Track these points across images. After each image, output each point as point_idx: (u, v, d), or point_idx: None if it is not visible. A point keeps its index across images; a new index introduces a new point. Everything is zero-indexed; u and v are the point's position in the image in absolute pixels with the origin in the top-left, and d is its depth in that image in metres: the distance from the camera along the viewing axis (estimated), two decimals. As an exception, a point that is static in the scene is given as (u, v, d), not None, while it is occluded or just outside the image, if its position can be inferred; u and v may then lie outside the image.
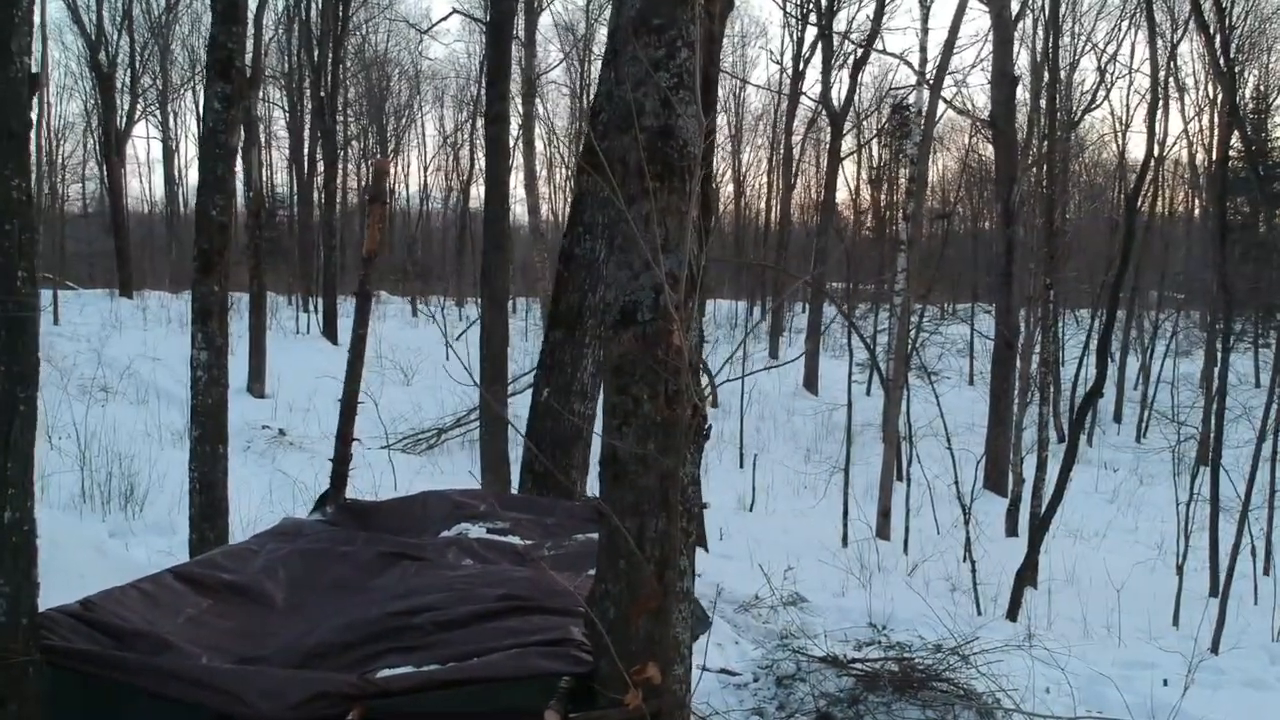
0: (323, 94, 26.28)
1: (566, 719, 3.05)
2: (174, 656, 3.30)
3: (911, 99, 23.54)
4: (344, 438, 4.80)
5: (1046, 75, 15.36)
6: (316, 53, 26.52)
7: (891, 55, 33.06)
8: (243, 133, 22.62)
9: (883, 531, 16.47)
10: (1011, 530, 17.18)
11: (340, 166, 30.68)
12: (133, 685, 3.12)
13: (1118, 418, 28.29)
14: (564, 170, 41.76)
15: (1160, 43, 22.07)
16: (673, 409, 3.10)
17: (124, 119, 34.02)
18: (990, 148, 24.31)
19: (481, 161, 38.35)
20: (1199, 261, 31.86)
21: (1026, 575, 12.09)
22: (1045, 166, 13.86)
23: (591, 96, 35.40)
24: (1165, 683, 7.89)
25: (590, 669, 3.22)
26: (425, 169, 44.67)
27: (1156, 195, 27.46)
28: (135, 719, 3.13)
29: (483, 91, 28.92)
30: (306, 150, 31.29)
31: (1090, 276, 26.56)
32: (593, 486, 6.19)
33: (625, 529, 3.07)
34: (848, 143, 30.10)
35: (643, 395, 3.10)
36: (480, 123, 34.01)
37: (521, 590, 3.71)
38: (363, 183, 44.41)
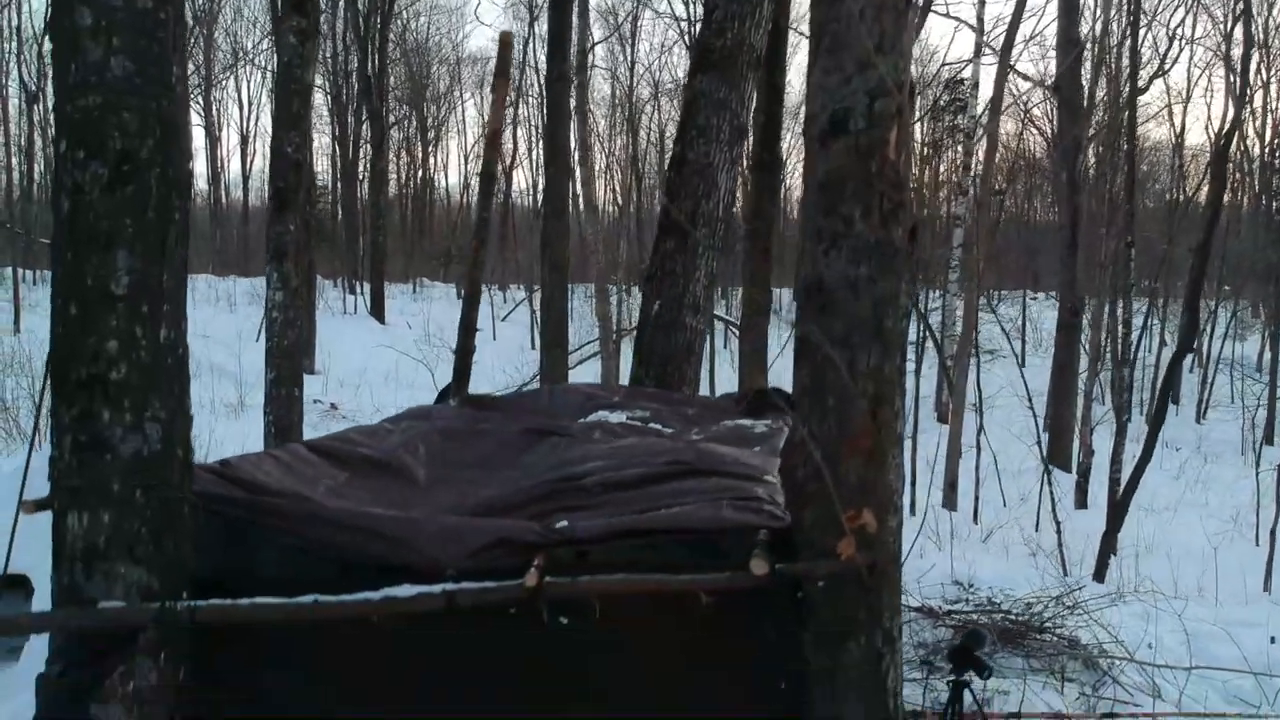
0: (370, 74, 26.14)
1: (774, 569, 2.73)
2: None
3: (966, 73, 23.10)
4: (467, 328, 4.51)
5: (1116, 32, 14.93)
6: (363, 31, 26.39)
7: (954, 19, 32.40)
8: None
9: (949, 502, 16.14)
10: (1081, 503, 16.77)
11: (384, 150, 30.53)
12: (275, 537, 2.85)
13: (1175, 399, 27.76)
14: (611, 142, 41.16)
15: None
16: (888, 228, 2.78)
17: (169, 106, 33.95)
18: (1034, 131, 23.82)
19: (522, 145, 38.27)
20: (1251, 246, 31.32)
21: (1112, 538, 11.69)
22: (1127, 117, 13.43)
23: (635, 79, 34.92)
24: (1274, 640, 7.56)
25: (787, 525, 2.91)
26: (466, 157, 44.46)
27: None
28: (272, 569, 2.84)
29: (527, 68, 28.71)
30: (351, 131, 31.19)
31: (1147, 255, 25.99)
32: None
33: (836, 360, 2.75)
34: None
35: (854, 214, 2.78)
36: (515, 107, 33.79)
37: (689, 457, 3.40)
38: (403, 172, 44.44)
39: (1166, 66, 21.23)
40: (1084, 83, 18.03)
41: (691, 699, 2.88)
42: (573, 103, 15.11)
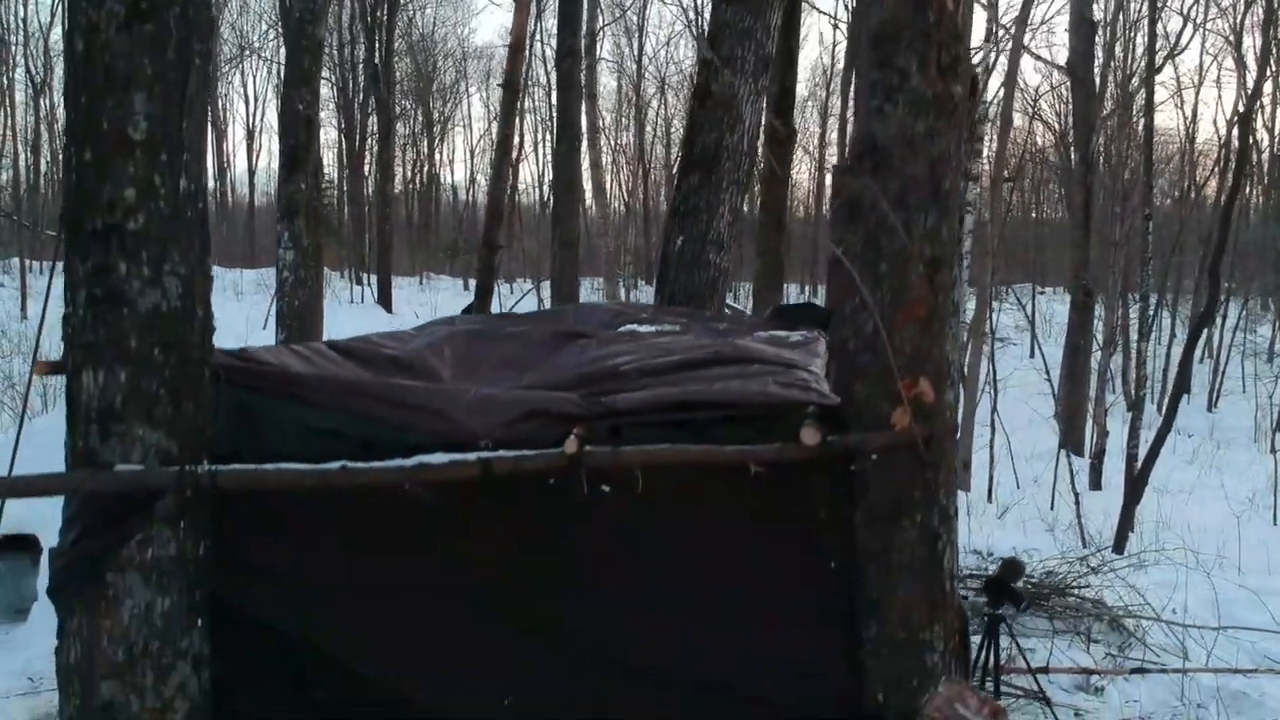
0: (377, 61, 26.02)
1: (826, 441, 2.59)
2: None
3: (976, 59, 22.95)
4: (489, 242, 4.36)
5: (1127, 17, 14.75)
6: (370, 19, 26.30)
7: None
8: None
9: (963, 482, 15.91)
10: (1096, 484, 16.57)
11: (391, 139, 30.39)
12: (295, 415, 2.69)
13: (1187, 388, 27.57)
14: (617, 138, 40.90)
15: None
16: (946, 81, 2.64)
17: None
18: (1041, 121, 23.69)
19: (529, 137, 38.15)
20: (1261, 237, 31.20)
21: (1130, 510, 11.51)
22: (1143, 94, 13.29)
23: (642, 67, 34.75)
24: (1311, 602, 7.41)
25: (836, 405, 2.75)
26: (472, 152, 44.30)
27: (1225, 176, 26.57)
28: (290, 450, 2.68)
29: (534, 59, 28.58)
30: (358, 119, 31.09)
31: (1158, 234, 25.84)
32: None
33: (892, 221, 2.60)
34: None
35: (910, 66, 2.63)
36: (521, 99, 33.63)
37: (727, 350, 3.25)
38: (409, 168, 44.31)
39: (1179, 48, 21.02)
40: (1096, 65, 17.88)
41: (737, 577, 2.74)
42: (582, 82, 14.96)
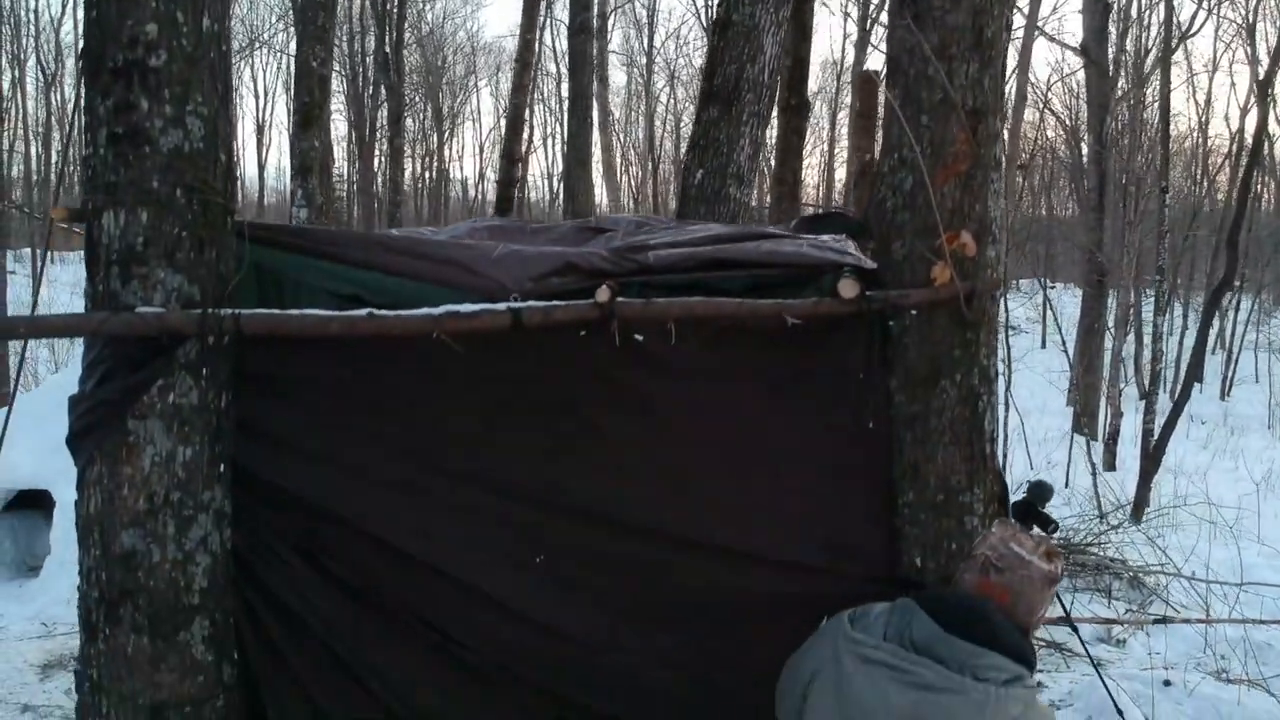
0: (388, 48, 25.96)
1: (864, 295, 2.52)
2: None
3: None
4: (510, 157, 4.30)
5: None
6: (380, 7, 26.26)
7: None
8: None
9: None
10: (1110, 465, 16.47)
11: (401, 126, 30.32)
12: (312, 275, 2.61)
13: (1199, 378, 27.45)
14: (627, 134, 40.95)
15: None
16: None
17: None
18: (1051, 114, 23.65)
19: (538, 131, 38.15)
20: (1270, 234, 31.14)
21: (1148, 480, 11.41)
22: (1161, 70, 13.21)
23: (653, 48, 34.61)
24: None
25: (872, 269, 2.68)
26: (481, 149, 44.30)
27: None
28: (302, 301, 2.60)
29: (541, 49, 28.55)
30: (368, 112, 31.08)
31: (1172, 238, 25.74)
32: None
33: (933, 69, 2.53)
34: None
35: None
36: (535, 87, 33.58)
37: (756, 231, 3.18)
38: (418, 163, 44.32)
39: (1192, 31, 20.88)
40: (1109, 50, 17.80)
41: (772, 441, 2.66)
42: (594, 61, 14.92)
